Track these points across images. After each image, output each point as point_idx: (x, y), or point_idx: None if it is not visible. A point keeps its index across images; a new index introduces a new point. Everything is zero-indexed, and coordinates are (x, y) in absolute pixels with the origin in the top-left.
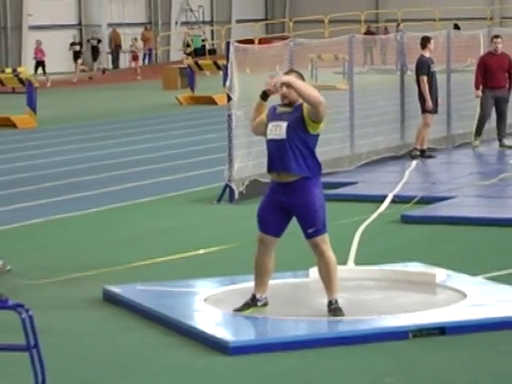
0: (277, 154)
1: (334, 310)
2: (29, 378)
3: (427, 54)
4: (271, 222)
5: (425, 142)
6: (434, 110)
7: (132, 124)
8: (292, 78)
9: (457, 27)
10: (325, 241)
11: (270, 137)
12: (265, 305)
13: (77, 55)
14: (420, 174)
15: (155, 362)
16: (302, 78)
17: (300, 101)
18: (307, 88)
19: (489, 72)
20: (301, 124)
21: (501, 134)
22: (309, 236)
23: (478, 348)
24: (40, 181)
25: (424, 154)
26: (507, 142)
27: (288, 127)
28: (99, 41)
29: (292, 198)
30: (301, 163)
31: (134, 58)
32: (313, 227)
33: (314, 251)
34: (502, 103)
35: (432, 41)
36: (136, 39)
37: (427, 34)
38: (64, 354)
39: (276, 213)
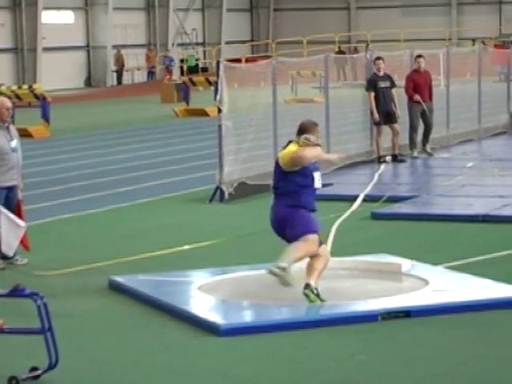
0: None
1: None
2: (44, 357)
3: (379, 72)
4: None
5: (380, 149)
6: (383, 122)
7: (134, 133)
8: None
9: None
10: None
11: (317, 185)
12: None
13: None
14: (387, 176)
15: (154, 342)
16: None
17: None
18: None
19: (417, 88)
20: None
21: (424, 141)
22: None
23: (439, 329)
24: (52, 184)
25: (396, 159)
26: (429, 149)
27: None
28: None
29: None
30: None
31: None
32: None
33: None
34: (426, 114)
35: (380, 61)
36: None
37: (379, 54)
38: (74, 336)
39: None
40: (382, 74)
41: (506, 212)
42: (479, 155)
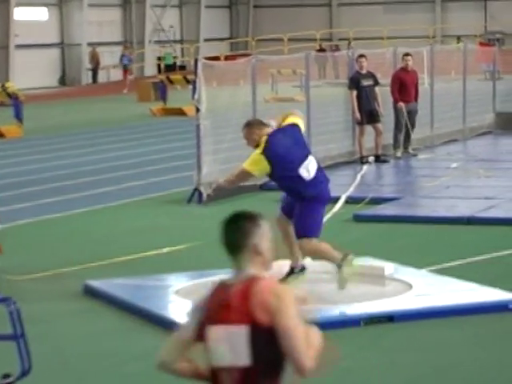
0: None
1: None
2: (17, 364)
3: (362, 70)
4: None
5: (362, 149)
6: (366, 121)
7: (110, 133)
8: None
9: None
10: None
11: None
12: (302, 270)
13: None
14: (370, 177)
15: (130, 348)
16: (262, 124)
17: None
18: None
19: (403, 87)
20: None
21: (407, 143)
22: None
23: (423, 334)
24: (25, 185)
25: (379, 159)
26: (411, 150)
27: None
28: None
29: None
30: None
31: None
32: None
33: None
34: (413, 115)
35: (363, 58)
36: None
37: (362, 52)
38: (47, 342)
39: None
40: (364, 71)
41: (491, 214)
42: (464, 155)
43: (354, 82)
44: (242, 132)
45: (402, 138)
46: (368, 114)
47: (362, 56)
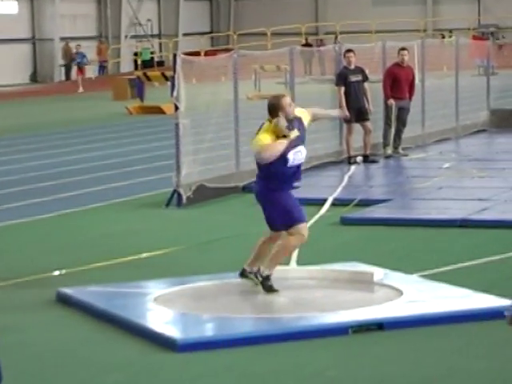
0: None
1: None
2: None
3: (350, 65)
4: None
5: (350, 149)
6: (354, 119)
7: (84, 133)
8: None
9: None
10: None
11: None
12: None
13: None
14: (358, 178)
15: (106, 359)
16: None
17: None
18: None
19: (396, 83)
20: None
21: (397, 142)
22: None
23: (414, 342)
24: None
25: (367, 159)
26: (401, 150)
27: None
28: None
29: None
30: None
31: None
32: None
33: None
34: (404, 113)
35: (351, 53)
36: None
37: (350, 47)
38: (18, 352)
39: None
40: (352, 67)
41: (485, 216)
42: (457, 155)
43: (342, 78)
44: (290, 107)
45: (391, 135)
46: (356, 112)
47: (350, 51)
